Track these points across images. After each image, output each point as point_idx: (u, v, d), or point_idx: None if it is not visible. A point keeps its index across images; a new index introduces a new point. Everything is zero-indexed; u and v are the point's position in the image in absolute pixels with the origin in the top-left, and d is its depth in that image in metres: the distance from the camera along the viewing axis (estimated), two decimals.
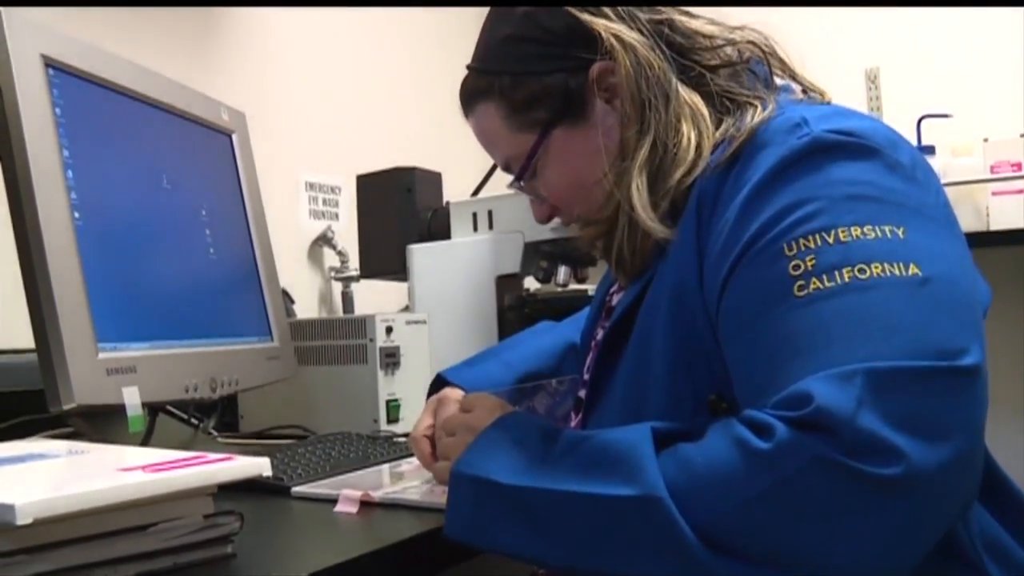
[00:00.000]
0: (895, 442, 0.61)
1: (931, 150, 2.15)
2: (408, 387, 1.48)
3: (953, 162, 2.14)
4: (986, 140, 2.13)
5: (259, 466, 0.77)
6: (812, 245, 0.72)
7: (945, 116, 2.16)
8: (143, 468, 0.71)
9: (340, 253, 2.26)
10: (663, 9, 0.94)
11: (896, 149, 0.77)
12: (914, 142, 2.16)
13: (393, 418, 1.44)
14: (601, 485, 0.69)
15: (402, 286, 1.97)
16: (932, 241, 0.72)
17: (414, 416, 1.45)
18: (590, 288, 1.62)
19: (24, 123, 0.96)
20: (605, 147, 0.92)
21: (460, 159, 2.75)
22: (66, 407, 0.93)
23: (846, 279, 0.69)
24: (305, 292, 2.20)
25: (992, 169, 2.11)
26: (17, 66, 0.96)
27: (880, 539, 0.62)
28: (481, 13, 1.02)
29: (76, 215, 1.00)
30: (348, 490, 0.96)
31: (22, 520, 0.58)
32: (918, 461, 0.61)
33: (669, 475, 0.67)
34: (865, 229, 0.71)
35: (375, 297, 2.23)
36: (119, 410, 1.05)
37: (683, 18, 0.93)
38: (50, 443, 0.96)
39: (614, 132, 0.92)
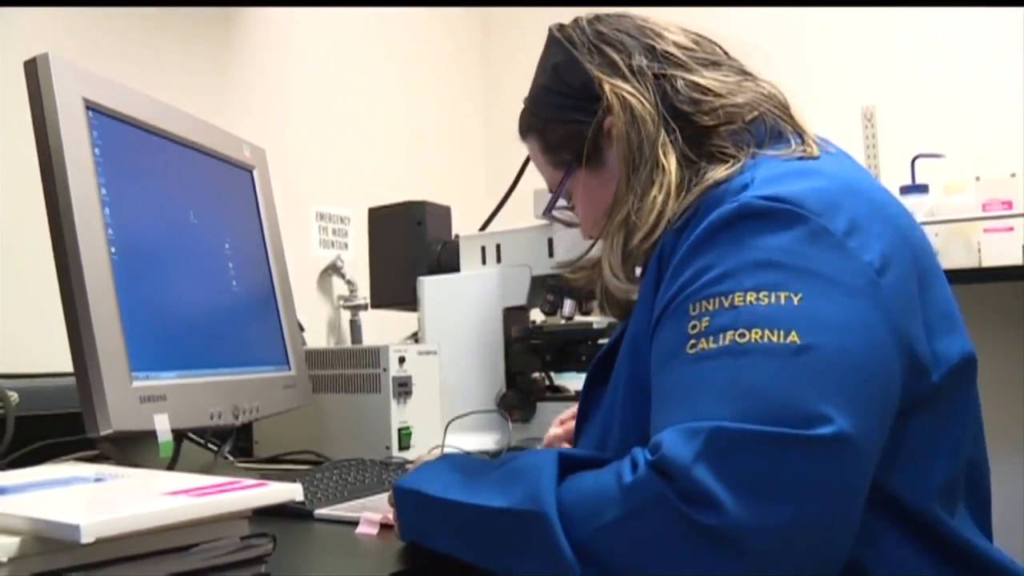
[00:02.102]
0: (719, 496, 0.66)
1: (924, 188, 2.19)
2: (419, 415, 1.52)
3: (946, 200, 2.17)
4: (978, 179, 2.17)
5: (292, 491, 0.82)
6: (710, 307, 0.77)
7: (937, 156, 2.21)
8: (187, 492, 0.76)
9: (349, 282, 2.31)
10: (671, 61, 0.98)
11: (831, 214, 0.79)
12: (908, 180, 2.22)
13: (404, 445, 1.49)
14: (506, 500, 0.78)
15: (409, 315, 2.01)
16: (831, 308, 0.75)
17: (424, 443, 1.51)
18: (595, 321, 1.67)
19: (68, 163, 1.01)
20: (605, 197, 1.00)
21: (467, 193, 2.82)
22: (103, 433, 0.98)
23: (727, 342, 0.75)
24: (314, 320, 2.25)
25: (984, 207, 2.12)
26: (62, 110, 1.02)
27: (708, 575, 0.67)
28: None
29: (112, 250, 1.06)
30: (369, 513, 1.01)
31: (86, 539, 0.62)
32: (738, 517, 0.66)
33: (564, 496, 0.75)
34: (760, 295, 0.75)
35: (382, 326, 2.28)
36: (148, 435, 1.10)
37: (689, 75, 0.97)
38: (86, 467, 1.01)
39: (616, 183, 0.99)
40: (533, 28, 3.21)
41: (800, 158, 0.91)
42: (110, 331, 1.01)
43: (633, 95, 0.96)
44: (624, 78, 0.97)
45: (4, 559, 0.63)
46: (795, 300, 0.75)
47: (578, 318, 1.70)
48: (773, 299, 0.75)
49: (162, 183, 1.21)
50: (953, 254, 2.14)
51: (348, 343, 2.31)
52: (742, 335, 0.74)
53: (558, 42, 1.05)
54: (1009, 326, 2.29)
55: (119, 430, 1.00)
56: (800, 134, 0.96)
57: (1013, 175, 2.15)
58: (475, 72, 3.11)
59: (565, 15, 1.10)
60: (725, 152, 0.93)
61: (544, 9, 2.98)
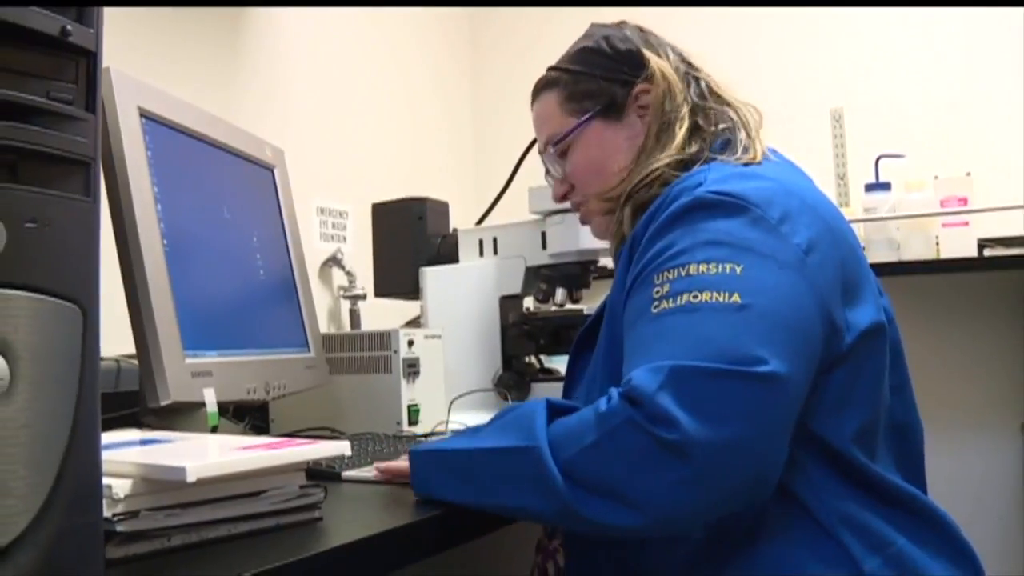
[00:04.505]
0: (677, 416, 0.83)
1: (887, 186, 2.35)
2: (426, 394, 1.66)
3: (907, 197, 2.32)
4: (936, 177, 2.32)
5: (341, 447, 0.96)
6: (670, 276, 0.95)
7: (899, 156, 2.37)
8: (256, 447, 0.90)
9: (348, 273, 2.44)
10: (700, 69, 1.22)
11: (767, 206, 0.98)
12: (872, 178, 2.38)
13: (413, 421, 1.62)
14: (504, 441, 0.95)
15: (403, 304, 2.15)
16: (765, 277, 0.92)
17: (431, 419, 1.65)
18: (585, 308, 1.82)
19: (128, 166, 1.14)
20: (628, 147, 1.21)
21: (459, 189, 2.95)
22: (163, 403, 1.12)
23: (682, 302, 0.92)
24: (316, 309, 2.37)
25: (942, 203, 2.27)
26: (122, 118, 1.15)
27: (668, 486, 0.84)
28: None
29: (165, 242, 1.19)
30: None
31: (191, 478, 0.76)
32: (692, 432, 0.82)
33: (553, 431, 0.91)
34: (710, 266, 0.93)
35: (379, 314, 2.40)
36: (190, 408, 1.24)
37: (709, 80, 1.21)
38: (139, 432, 1.14)
39: (638, 138, 1.21)
40: (516, 43, 3.32)
41: (745, 164, 1.10)
42: (167, 314, 1.15)
43: (671, 74, 1.19)
44: (663, 59, 1.20)
45: (121, 495, 0.77)
46: (737, 270, 0.92)
47: (569, 305, 1.84)
48: (720, 269, 0.93)
49: (200, 182, 1.34)
50: (913, 247, 2.30)
51: (347, 330, 2.44)
52: (695, 296, 0.92)
53: (607, 25, 1.27)
54: (965, 313, 2.45)
55: (176, 401, 1.13)
56: (748, 147, 1.14)
57: (968, 174, 2.30)
58: (465, 75, 3.24)
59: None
60: (691, 141, 1.15)
61: (530, 18, 3.13)
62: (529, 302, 1.95)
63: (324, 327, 2.44)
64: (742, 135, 1.15)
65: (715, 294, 0.90)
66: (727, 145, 1.14)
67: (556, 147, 1.29)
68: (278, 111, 2.32)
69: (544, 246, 1.81)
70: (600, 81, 1.24)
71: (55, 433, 0.65)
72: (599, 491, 0.86)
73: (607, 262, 1.92)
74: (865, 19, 2.71)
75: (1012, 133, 2.47)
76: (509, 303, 1.87)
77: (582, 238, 1.73)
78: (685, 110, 1.16)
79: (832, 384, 0.97)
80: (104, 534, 0.75)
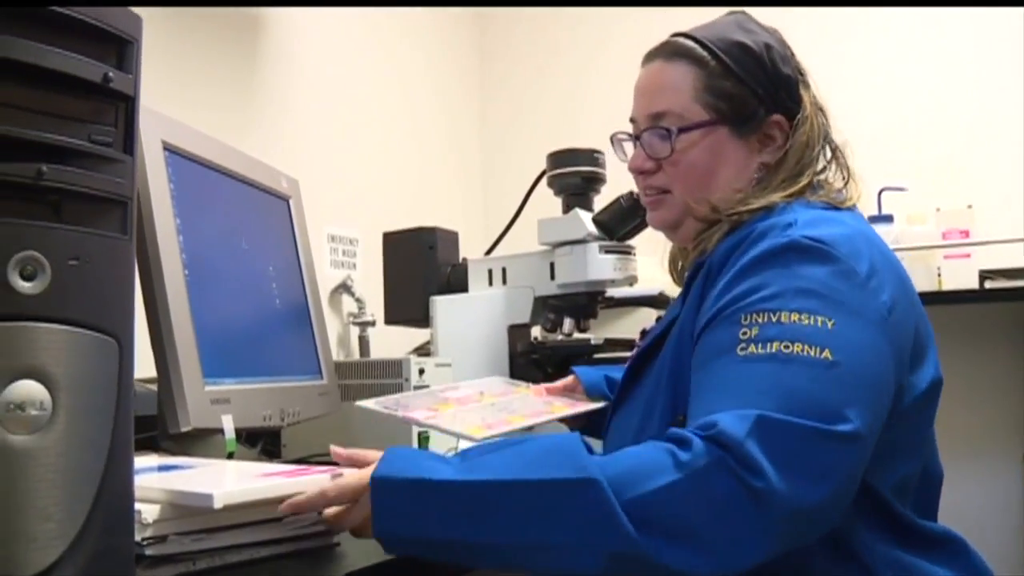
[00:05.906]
0: (764, 467, 0.82)
1: (890, 218, 2.38)
2: None
3: (909, 229, 2.36)
4: (938, 210, 2.36)
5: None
6: (760, 320, 0.94)
7: (901, 189, 2.41)
8: (277, 475, 0.93)
9: (358, 300, 2.47)
10: (827, 117, 1.20)
11: (857, 259, 0.98)
12: (875, 211, 2.41)
13: (423, 448, 1.65)
14: (546, 472, 0.85)
15: (412, 331, 2.18)
16: (854, 335, 0.93)
17: (441, 447, 1.67)
18: (592, 338, 1.84)
19: (152, 199, 1.18)
20: (740, 167, 1.16)
21: (467, 219, 2.99)
22: (184, 429, 1.15)
23: (773, 350, 0.92)
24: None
25: (943, 235, 2.30)
26: (147, 153, 1.19)
27: (746, 534, 0.83)
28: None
29: (186, 272, 1.22)
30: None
31: (218, 504, 0.79)
32: (776, 484, 0.82)
33: (605, 467, 0.84)
34: (803, 316, 0.93)
35: (388, 341, 2.44)
36: (206, 434, 1.26)
37: (833, 134, 1.20)
38: (175, 458, 1.17)
39: (751, 163, 1.16)
40: (525, 76, 3.35)
41: (826, 206, 1.11)
42: (188, 342, 1.18)
43: (818, 125, 1.17)
44: (815, 100, 1.18)
45: (150, 520, 0.80)
46: (829, 324, 0.92)
47: (576, 335, 1.87)
48: (812, 321, 0.92)
49: (220, 213, 1.38)
50: (915, 279, 2.29)
51: (357, 357, 2.47)
52: (787, 347, 0.91)
53: (763, 27, 1.20)
54: (967, 344, 2.48)
55: (196, 427, 1.16)
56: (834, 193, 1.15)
57: (970, 206, 2.34)
58: (474, 106, 3.29)
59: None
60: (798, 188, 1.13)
61: (539, 49, 3.18)
62: (537, 331, 1.98)
63: (334, 353, 2.47)
64: (839, 184, 1.16)
65: (807, 347, 0.91)
66: (818, 185, 1.15)
67: (677, 131, 1.16)
68: (289, 138, 2.36)
69: (552, 276, 1.84)
70: (748, 92, 1.15)
71: (92, 460, 0.68)
72: (671, 533, 0.82)
73: (614, 292, 1.96)
74: (867, 52, 2.75)
75: (1013, 165, 2.51)
76: (517, 332, 1.91)
77: (590, 269, 1.77)
78: (815, 162, 1.15)
79: (883, 437, 0.97)
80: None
